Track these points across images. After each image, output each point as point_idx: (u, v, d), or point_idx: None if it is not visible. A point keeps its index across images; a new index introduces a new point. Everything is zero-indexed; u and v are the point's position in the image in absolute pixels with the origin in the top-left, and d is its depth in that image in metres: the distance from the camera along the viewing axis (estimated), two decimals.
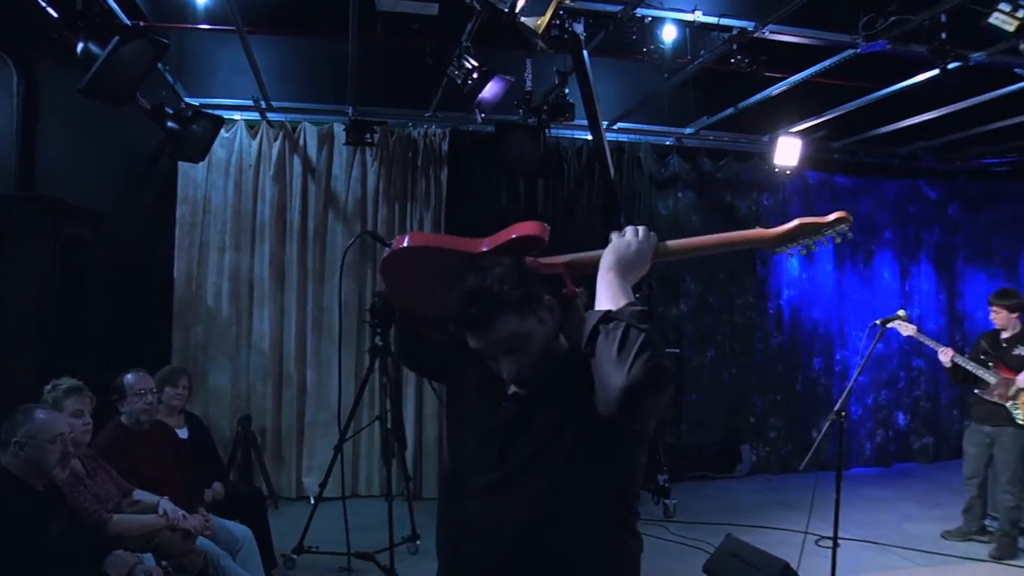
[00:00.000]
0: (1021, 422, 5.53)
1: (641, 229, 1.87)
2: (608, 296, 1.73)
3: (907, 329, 5.52)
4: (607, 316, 1.65)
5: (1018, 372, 5.58)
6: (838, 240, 1.98)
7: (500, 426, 1.84)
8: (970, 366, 5.73)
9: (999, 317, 5.84)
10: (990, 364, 5.73)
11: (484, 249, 1.91)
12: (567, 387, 1.77)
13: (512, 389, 1.86)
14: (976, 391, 5.82)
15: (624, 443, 1.78)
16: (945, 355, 5.77)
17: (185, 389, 5.05)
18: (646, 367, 1.54)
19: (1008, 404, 5.59)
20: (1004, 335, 5.84)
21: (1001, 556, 5.51)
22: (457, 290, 1.77)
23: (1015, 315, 5.79)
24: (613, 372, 1.56)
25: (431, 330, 2.09)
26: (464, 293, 1.75)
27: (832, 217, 1.94)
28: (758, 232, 1.98)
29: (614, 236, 1.88)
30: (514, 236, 1.90)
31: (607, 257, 1.83)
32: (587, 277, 1.89)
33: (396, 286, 2.14)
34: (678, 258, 1.93)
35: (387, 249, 2.00)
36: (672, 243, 1.93)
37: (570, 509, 1.75)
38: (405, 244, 1.99)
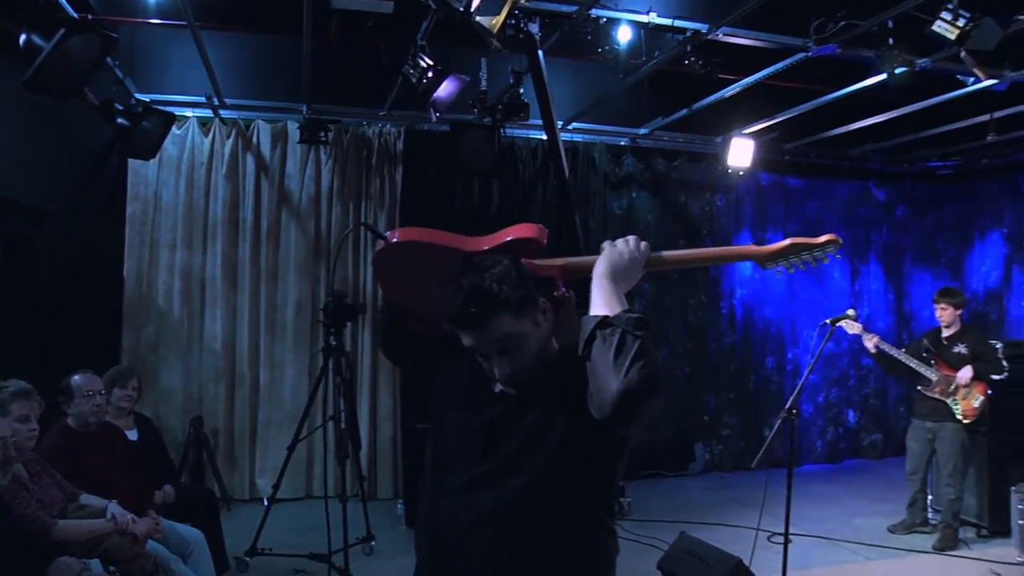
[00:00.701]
0: (960, 418, 5.70)
1: (633, 239, 1.89)
2: (603, 302, 1.74)
3: (853, 328, 5.64)
4: (604, 322, 1.66)
5: (958, 369, 5.74)
6: (826, 260, 2.05)
7: (485, 424, 1.84)
8: (887, 347, 5.87)
9: (945, 314, 5.98)
10: (932, 362, 5.87)
11: (484, 248, 1.91)
12: (556, 389, 1.78)
13: (499, 387, 1.86)
14: (919, 388, 5.95)
15: (608, 447, 1.80)
16: (869, 341, 5.89)
17: (135, 390, 4.96)
18: (641, 373, 1.56)
19: (948, 400, 5.74)
20: (945, 333, 5.99)
21: (944, 547, 5.65)
22: (453, 288, 1.77)
23: (959, 312, 5.95)
24: (609, 377, 1.58)
25: (416, 324, 2.09)
26: (462, 291, 1.75)
27: (823, 239, 2.00)
28: (751, 248, 2.07)
29: (607, 244, 1.90)
30: (509, 239, 1.91)
31: (600, 264, 1.84)
32: (577, 280, 1.92)
33: (387, 279, 2.13)
34: (671, 268, 1.97)
35: (382, 242, 1.99)
36: (667, 254, 1.98)
37: (550, 508, 1.76)
38: (398, 238, 1.97)
